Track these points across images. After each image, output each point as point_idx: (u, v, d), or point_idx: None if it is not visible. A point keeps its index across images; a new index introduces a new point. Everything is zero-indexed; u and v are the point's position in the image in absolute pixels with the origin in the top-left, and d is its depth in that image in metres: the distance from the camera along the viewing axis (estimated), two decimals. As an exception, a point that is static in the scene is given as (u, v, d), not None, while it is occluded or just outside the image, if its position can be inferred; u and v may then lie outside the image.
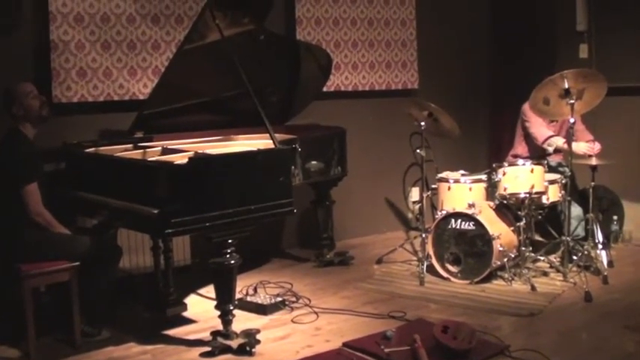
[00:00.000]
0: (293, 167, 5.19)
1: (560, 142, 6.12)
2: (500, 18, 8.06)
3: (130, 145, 5.33)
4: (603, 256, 5.82)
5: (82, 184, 4.90)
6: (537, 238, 6.36)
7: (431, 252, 5.79)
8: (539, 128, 6.23)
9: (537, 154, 6.24)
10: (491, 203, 5.89)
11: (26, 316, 4.37)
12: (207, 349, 4.43)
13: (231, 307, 4.49)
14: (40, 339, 4.50)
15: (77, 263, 4.50)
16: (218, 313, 4.50)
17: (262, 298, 5.29)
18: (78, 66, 5.59)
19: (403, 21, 7.40)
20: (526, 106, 6.14)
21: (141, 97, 5.81)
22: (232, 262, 4.40)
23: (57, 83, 5.50)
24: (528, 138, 6.37)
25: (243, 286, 5.53)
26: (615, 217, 6.63)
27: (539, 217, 5.94)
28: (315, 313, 5.10)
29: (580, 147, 6.05)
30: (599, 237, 5.85)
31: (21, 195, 4.46)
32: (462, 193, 5.91)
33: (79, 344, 4.53)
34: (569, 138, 5.65)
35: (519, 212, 5.72)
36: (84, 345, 4.55)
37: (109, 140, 5.39)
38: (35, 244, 4.48)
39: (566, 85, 5.45)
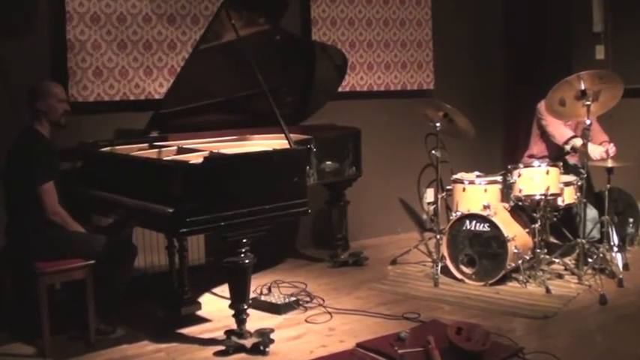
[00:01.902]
0: (308, 167, 5.20)
1: (578, 143, 6.09)
2: (515, 18, 8.03)
3: (145, 145, 5.35)
4: (619, 258, 5.78)
5: (98, 183, 4.91)
6: (552, 240, 6.33)
7: (445, 253, 5.78)
8: (559, 127, 6.19)
9: (554, 154, 6.22)
10: (507, 205, 5.87)
11: (41, 314, 4.39)
12: (221, 348, 4.44)
13: (246, 307, 4.50)
14: (55, 336, 4.52)
15: (93, 261, 4.52)
16: (232, 312, 4.51)
17: (276, 297, 5.30)
18: (94, 65, 5.62)
19: (419, 21, 7.39)
20: (541, 105, 6.11)
21: (157, 97, 5.83)
22: (247, 261, 4.40)
23: (73, 82, 5.53)
24: (544, 137, 6.35)
25: (257, 285, 5.54)
26: (631, 220, 6.58)
27: (555, 219, 5.92)
28: (329, 313, 5.10)
29: (596, 152, 6.02)
30: (615, 239, 5.81)
31: (37, 193, 4.49)
32: (476, 195, 5.90)
33: (94, 342, 4.55)
34: (585, 139, 5.62)
35: (534, 214, 5.70)
36: (98, 343, 4.57)
37: (124, 139, 5.42)
38: (51, 242, 4.50)
39: (583, 87, 5.42)
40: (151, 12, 5.83)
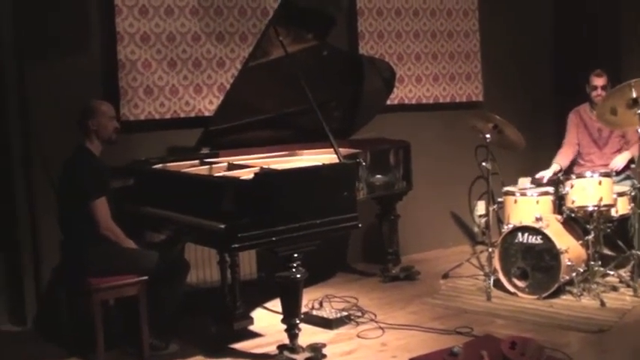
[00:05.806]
0: (357, 182, 5.19)
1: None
2: (564, 28, 7.96)
3: (196, 161, 5.41)
4: (675, 270, 5.68)
5: (150, 199, 4.98)
6: (606, 252, 6.23)
7: (497, 266, 5.72)
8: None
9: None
10: (559, 216, 5.80)
11: (95, 330, 4.45)
12: (274, 363, 4.46)
13: (297, 321, 4.51)
14: (109, 352, 4.57)
15: (145, 277, 4.57)
16: (284, 327, 4.52)
17: (328, 312, 5.29)
18: (145, 84, 5.70)
19: (466, 32, 7.35)
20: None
21: (207, 114, 5.89)
22: (298, 276, 4.41)
23: (125, 101, 5.62)
24: None
25: (309, 300, 5.54)
26: (688, 231, 6.47)
27: (608, 230, 5.84)
28: (381, 328, 5.08)
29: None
30: (671, 251, 5.71)
31: (90, 209, 4.56)
32: (528, 207, 5.84)
33: (147, 357, 4.60)
34: None
35: (587, 225, 5.63)
36: (152, 358, 4.62)
37: (176, 156, 5.48)
38: (104, 258, 4.56)
39: (634, 95, 5.35)
40: (200, 31, 5.90)
